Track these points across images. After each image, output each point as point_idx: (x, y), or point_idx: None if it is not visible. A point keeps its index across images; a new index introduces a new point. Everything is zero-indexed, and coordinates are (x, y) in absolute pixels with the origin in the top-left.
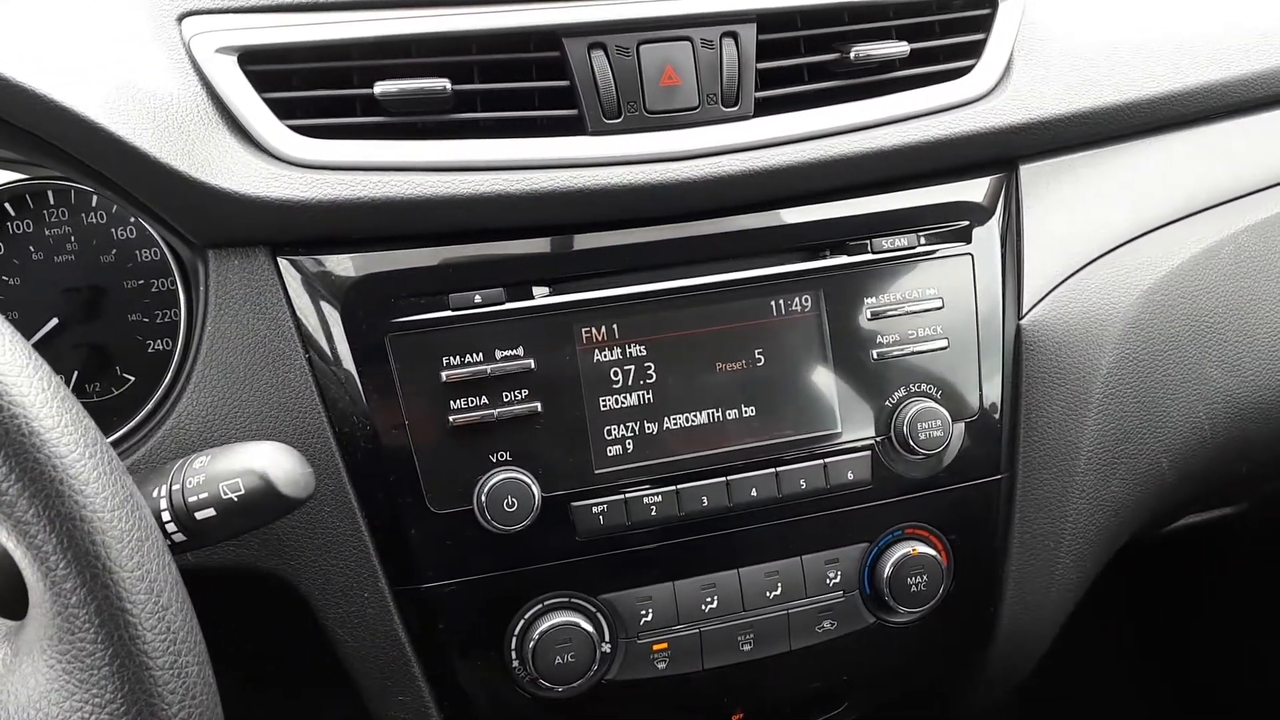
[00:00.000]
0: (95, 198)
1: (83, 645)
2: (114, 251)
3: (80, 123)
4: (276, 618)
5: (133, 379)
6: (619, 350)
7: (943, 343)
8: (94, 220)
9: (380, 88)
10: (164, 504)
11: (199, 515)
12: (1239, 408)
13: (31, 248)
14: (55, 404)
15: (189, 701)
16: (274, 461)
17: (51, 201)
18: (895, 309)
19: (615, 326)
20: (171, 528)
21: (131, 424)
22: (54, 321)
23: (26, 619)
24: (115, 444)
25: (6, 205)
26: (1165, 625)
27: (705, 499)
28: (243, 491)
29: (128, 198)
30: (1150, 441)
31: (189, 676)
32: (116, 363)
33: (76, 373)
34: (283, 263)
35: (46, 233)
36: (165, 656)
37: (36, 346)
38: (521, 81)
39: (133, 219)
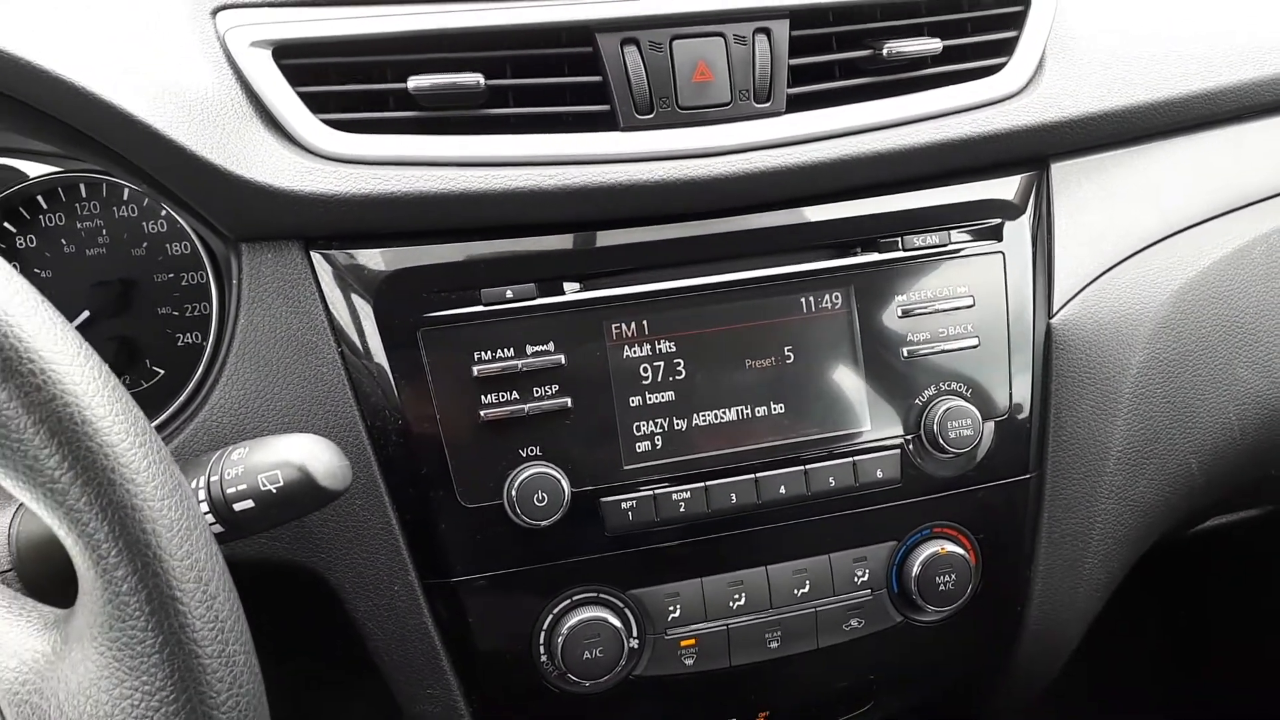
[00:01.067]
0: (127, 191)
1: (133, 633)
2: (145, 245)
3: (118, 116)
4: (308, 611)
5: (162, 372)
6: (649, 346)
7: (973, 341)
8: (125, 213)
9: (414, 82)
10: (202, 495)
11: (237, 507)
12: (1270, 409)
13: (63, 240)
14: (106, 394)
15: (236, 689)
16: (312, 454)
17: (83, 195)
18: (926, 307)
19: (645, 323)
20: (210, 519)
21: (164, 416)
22: (85, 314)
23: (76, 607)
24: None
25: (39, 198)
26: (1191, 627)
27: (734, 496)
28: (281, 483)
29: (162, 190)
30: (1180, 442)
31: (236, 665)
32: (146, 356)
33: (108, 365)
34: (315, 256)
35: (78, 226)
36: (214, 645)
37: None
38: (554, 77)
39: (164, 212)
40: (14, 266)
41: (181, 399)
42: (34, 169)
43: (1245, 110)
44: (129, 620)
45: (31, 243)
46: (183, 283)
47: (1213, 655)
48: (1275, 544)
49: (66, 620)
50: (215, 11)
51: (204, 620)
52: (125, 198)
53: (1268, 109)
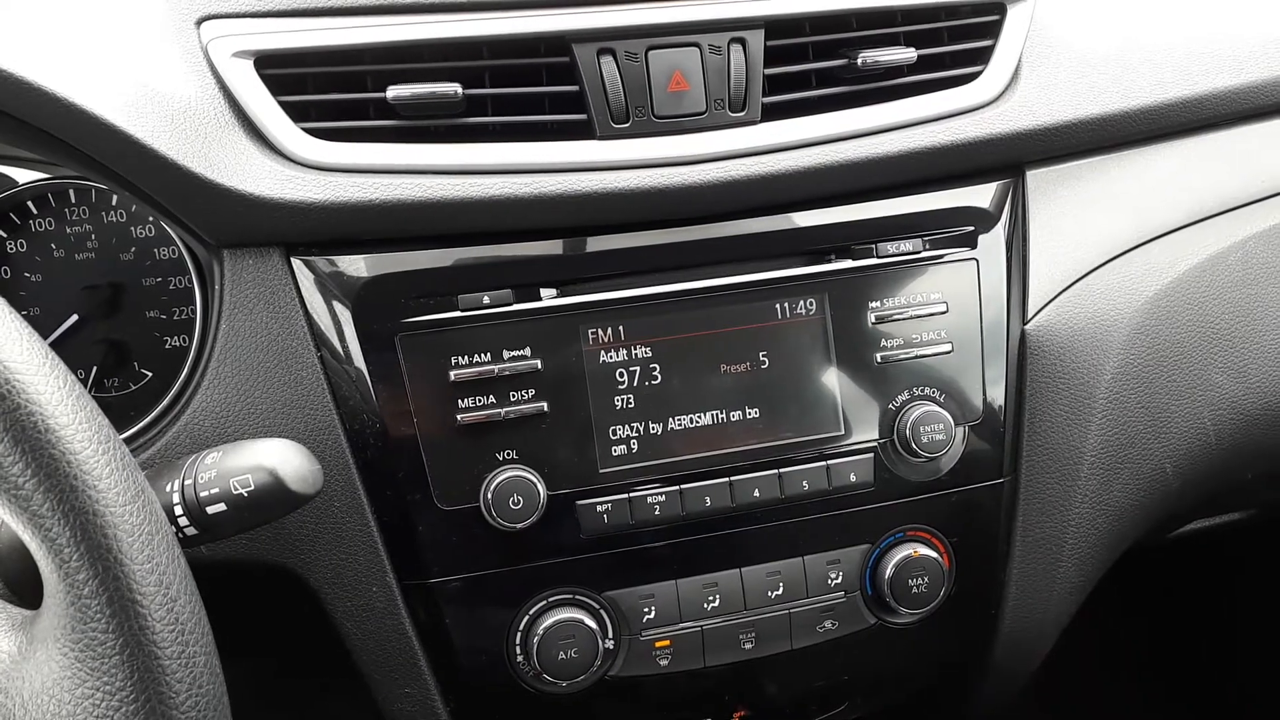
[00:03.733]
0: (115, 197)
1: (94, 635)
2: (133, 250)
3: (99, 125)
4: (287, 611)
5: (150, 375)
6: (624, 352)
7: (946, 347)
8: (114, 219)
9: (393, 92)
10: (176, 498)
11: (210, 510)
12: (1245, 414)
13: (53, 245)
14: (70, 402)
15: (196, 690)
16: (283, 458)
17: (73, 200)
18: (899, 313)
19: (621, 328)
20: (184, 521)
21: (148, 419)
22: (74, 318)
23: (41, 609)
24: (132, 438)
25: (29, 204)
26: (1172, 630)
27: (708, 499)
28: (253, 487)
29: (145, 198)
30: (1154, 447)
31: (196, 666)
32: (135, 359)
33: (96, 368)
34: (296, 263)
35: (68, 231)
36: (174, 646)
37: (57, 342)
38: (531, 86)
39: (151, 218)
40: (3, 271)
41: (165, 402)
42: (23, 175)
43: (1222, 118)
44: (90, 622)
45: (22, 247)
46: (170, 287)
47: (1193, 658)
48: (1253, 548)
49: (33, 622)
50: (199, 22)
51: (164, 623)
52: (114, 203)
53: (1244, 116)
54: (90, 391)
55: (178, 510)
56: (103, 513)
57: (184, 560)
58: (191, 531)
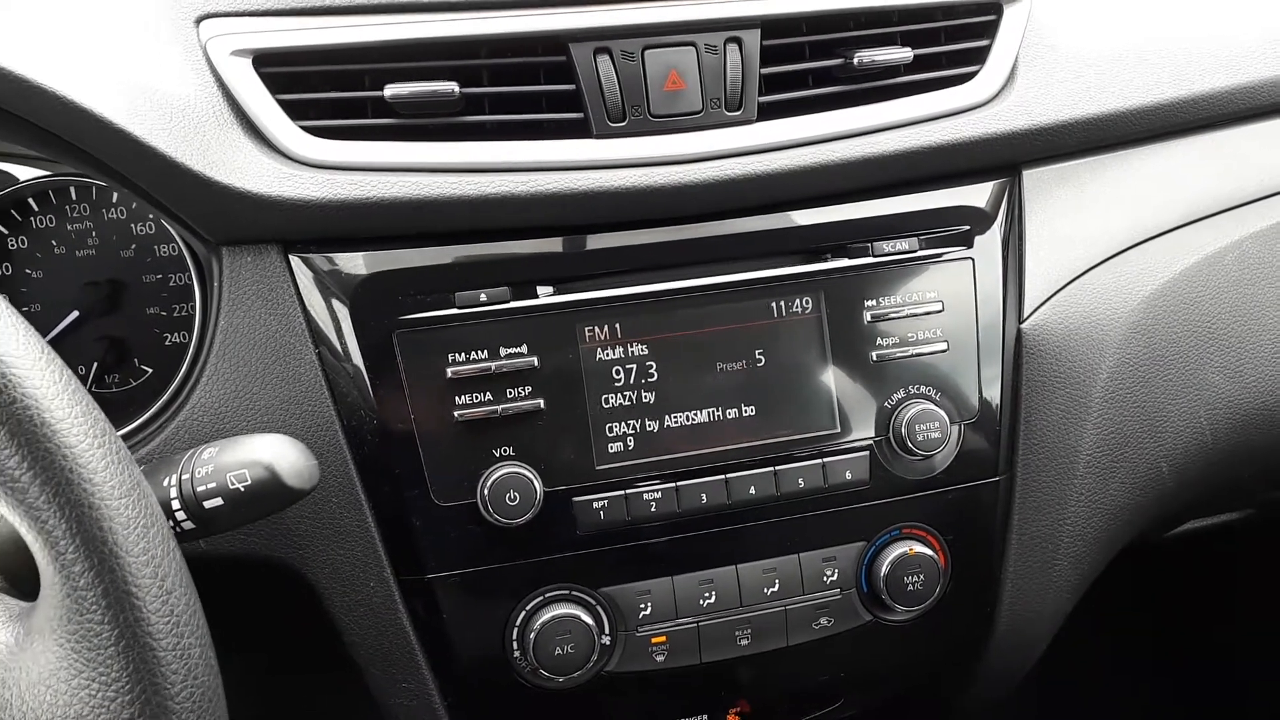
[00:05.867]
0: (115, 194)
1: (90, 626)
2: (133, 246)
3: (98, 123)
4: (285, 605)
5: (150, 371)
6: (621, 349)
7: (942, 345)
8: (114, 216)
9: (390, 90)
10: (174, 493)
11: (207, 504)
12: (1241, 414)
13: (54, 242)
14: (66, 396)
15: (191, 681)
16: (279, 453)
17: (74, 197)
18: (895, 312)
19: (618, 326)
20: (181, 516)
21: (147, 415)
22: (74, 314)
23: (38, 601)
24: (132, 433)
25: (30, 201)
26: (1169, 629)
27: (704, 496)
28: (249, 482)
29: (145, 196)
30: (1150, 446)
31: (191, 657)
32: (135, 355)
33: (96, 364)
34: (294, 260)
35: (69, 228)
36: (169, 638)
37: (57, 338)
38: (528, 85)
39: (151, 215)
40: (4, 268)
41: (164, 398)
42: (24, 172)
43: (1219, 118)
44: (86, 614)
45: (23, 244)
46: (170, 284)
47: (1191, 657)
48: (1251, 548)
49: (30, 613)
50: (198, 20)
51: (159, 615)
52: (114, 200)
53: (1240, 116)
54: (90, 388)
55: (175, 505)
56: (99, 505)
57: (180, 553)
58: (189, 526)
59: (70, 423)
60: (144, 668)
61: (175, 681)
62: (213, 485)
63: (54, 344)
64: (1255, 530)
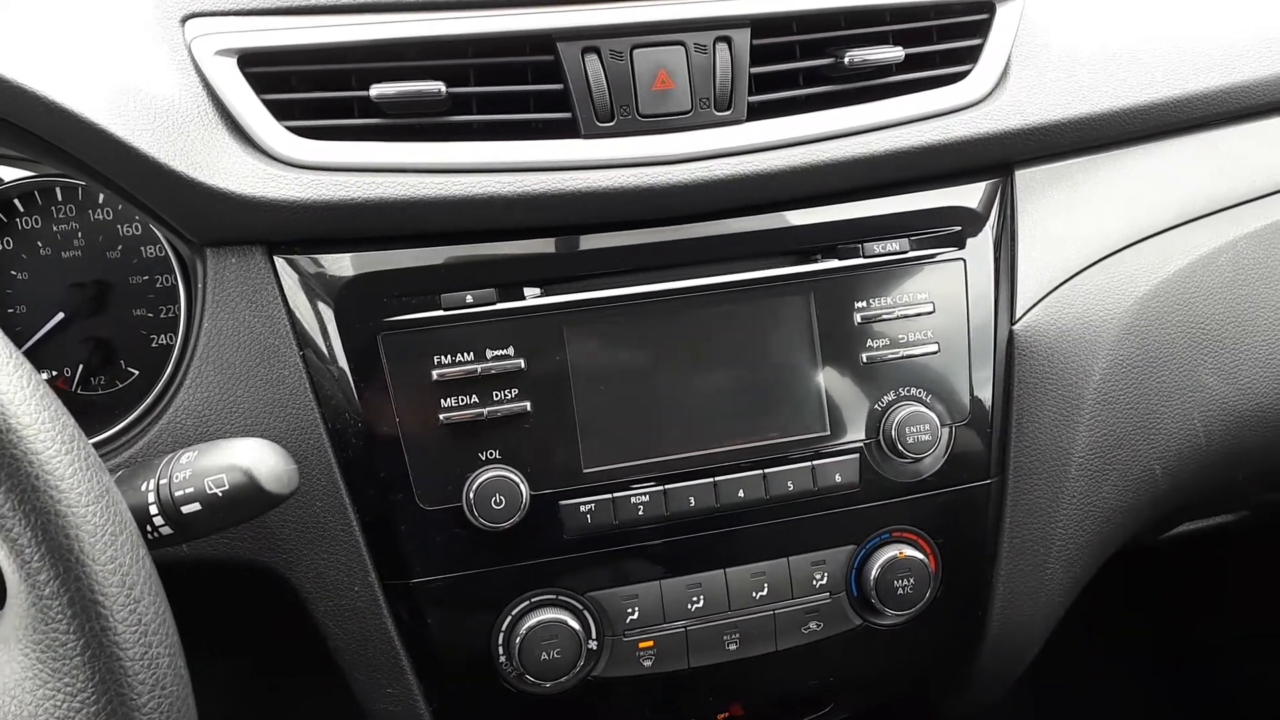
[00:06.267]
0: (101, 195)
1: (56, 636)
2: (120, 248)
3: (80, 123)
4: (270, 610)
5: (136, 373)
6: (608, 351)
7: (933, 347)
8: (100, 217)
9: (376, 90)
10: (152, 498)
11: (185, 509)
12: (1235, 416)
13: (39, 243)
14: (34, 401)
15: (159, 691)
16: (258, 458)
17: (59, 198)
18: (886, 313)
19: (605, 328)
20: (159, 521)
21: (131, 418)
22: (60, 316)
23: (4, 609)
24: (114, 437)
25: (15, 201)
26: (1164, 632)
27: (692, 500)
28: (227, 487)
29: (128, 197)
30: (1143, 448)
31: (160, 667)
32: (121, 357)
33: (82, 366)
34: (279, 261)
35: (54, 229)
36: (136, 648)
37: (43, 340)
38: (516, 85)
39: (137, 216)
40: None
41: (148, 401)
42: (9, 173)
43: (1213, 117)
44: (52, 623)
45: (8, 245)
46: (156, 285)
47: (1186, 660)
48: (1245, 550)
49: None
50: (183, 20)
51: (127, 624)
52: (100, 201)
53: (1235, 116)
54: (76, 389)
55: (153, 510)
56: (64, 513)
57: (150, 561)
58: (167, 531)
59: (37, 428)
60: (110, 677)
61: (142, 691)
62: (190, 490)
63: (39, 346)
64: (1250, 533)
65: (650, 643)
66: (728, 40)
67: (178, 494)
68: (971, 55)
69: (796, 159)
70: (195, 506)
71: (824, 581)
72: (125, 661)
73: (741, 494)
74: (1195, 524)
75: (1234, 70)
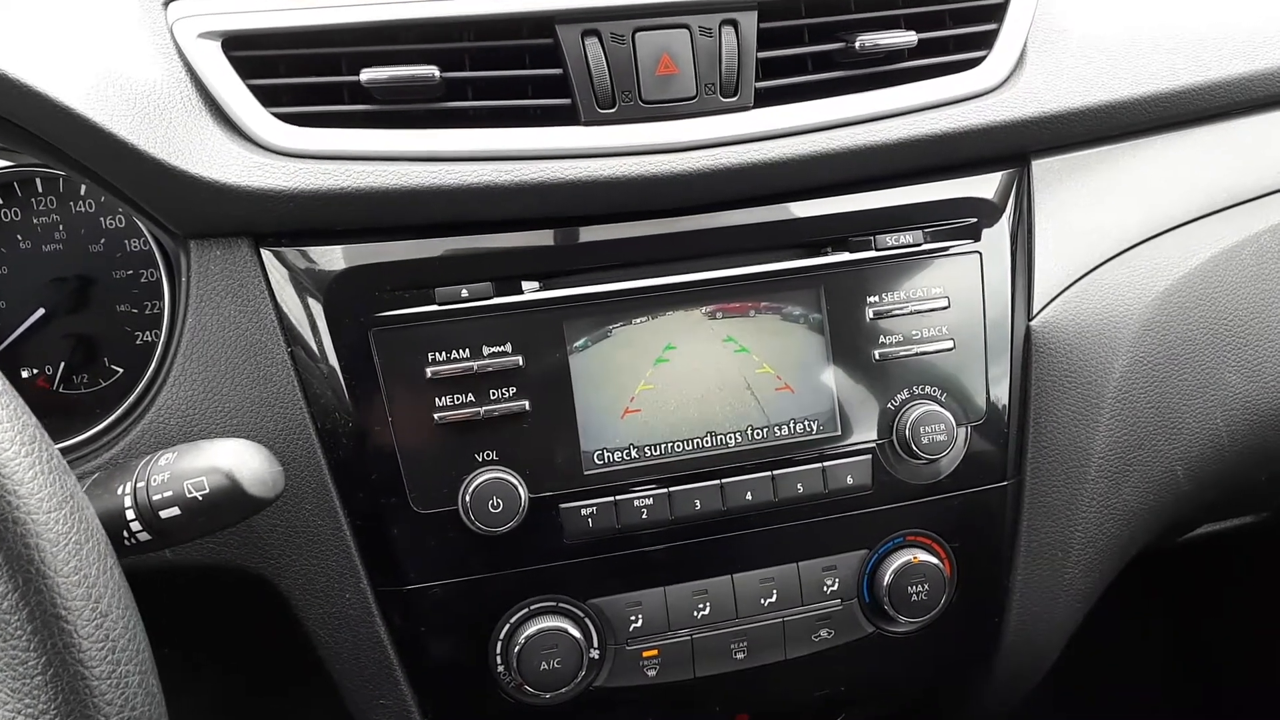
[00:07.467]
0: (83, 186)
1: (15, 654)
2: (103, 241)
3: (56, 109)
4: (256, 618)
5: (121, 370)
6: (610, 348)
7: (948, 344)
8: (83, 209)
9: (367, 75)
10: (128, 502)
11: (163, 514)
12: (1258, 414)
13: (19, 236)
14: None
15: (128, 712)
16: (241, 459)
17: (40, 189)
18: (899, 308)
19: (606, 324)
20: (136, 526)
21: (111, 418)
22: (41, 311)
23: None
24: (94, 438)
25: None
26: (1184, 635)
27: (698, 502)
28: (207, 490)
29: (109, 186)
30: (1165, 448)
31: (129, 686)
32: (105, 354)
33: (64, 364)
34: (265, 254)
35: (35, 221)
36: (103, 665)
37: (23, 337)
38: (513, 69)
39: (121, 208)
40: None
41: (130, 400)
42: None
43: (1236, 106)
44: (11, 639)
45: None
46: (141, 280)
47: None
48: (1268, 552)
49: None
50: (166, 2)
51: (92, 640)
52: (82, 193)
53: (1259, 104)
54: (59, 388)
55: (129, 515)
56: (24, 520)
57: (119, 572)
58: (145, 537)
59: None
60: (74, 698)
61: (110, 713)
62: (169, 494)
63: (19, 343)
64: (1272, 534)
65: (654, 651)
66: (734, 23)
67: (155, 498)
68: (986, 40)
69: (805, 147)
70: (174, 511)
71: (835, 587)
72: (91, 680)
73: (749, 496)
74: (1214, 526)
75: (1258, 57)
